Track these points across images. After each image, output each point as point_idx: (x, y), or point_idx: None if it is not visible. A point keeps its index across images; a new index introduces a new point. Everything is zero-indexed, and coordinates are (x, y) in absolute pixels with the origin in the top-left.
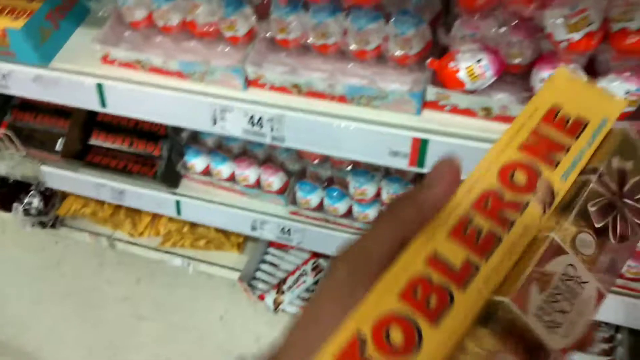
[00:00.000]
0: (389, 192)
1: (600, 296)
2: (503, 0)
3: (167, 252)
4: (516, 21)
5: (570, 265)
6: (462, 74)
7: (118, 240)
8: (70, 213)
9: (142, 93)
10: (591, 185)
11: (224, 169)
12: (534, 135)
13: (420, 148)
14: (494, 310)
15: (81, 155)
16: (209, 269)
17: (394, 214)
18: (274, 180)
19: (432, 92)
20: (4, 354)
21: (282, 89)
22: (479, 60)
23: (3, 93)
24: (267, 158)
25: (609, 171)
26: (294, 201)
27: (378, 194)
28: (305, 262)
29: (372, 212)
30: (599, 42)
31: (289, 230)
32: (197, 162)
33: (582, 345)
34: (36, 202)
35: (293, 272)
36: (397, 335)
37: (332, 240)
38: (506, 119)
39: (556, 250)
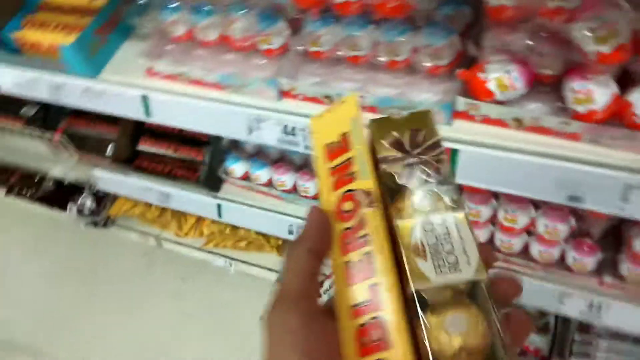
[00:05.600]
0: None
1: (464, 217)
2: (531, 12)
3: (210, 252)
4: (546, 32)
5: (426, 222)
6: (491, 85)
7: (165, 240)
8: (120, 213)
9: (183, 104)
10: (387, 171)
11: (262, 174)
12: (333, 172)
13: (450, 158)
14: (413, 299)
15: (130, 160)
16: (250, 269)
17: (291, 259)
18: (310, 186)
19: (462, 103)
20: (55, 347)
21: (314, 100)
22: (508, 71)
23: (56, 103)
24: (304, 164)
25: (389, 150)
26: None
27: None
28: None
29: None
30: (630, 54)
31: None
32: (236, 167)
33: (487, 263)
34: (89, 202)
35: (330, 275)
36: None
37: None
38: (538, 129)
39: (406, 227)
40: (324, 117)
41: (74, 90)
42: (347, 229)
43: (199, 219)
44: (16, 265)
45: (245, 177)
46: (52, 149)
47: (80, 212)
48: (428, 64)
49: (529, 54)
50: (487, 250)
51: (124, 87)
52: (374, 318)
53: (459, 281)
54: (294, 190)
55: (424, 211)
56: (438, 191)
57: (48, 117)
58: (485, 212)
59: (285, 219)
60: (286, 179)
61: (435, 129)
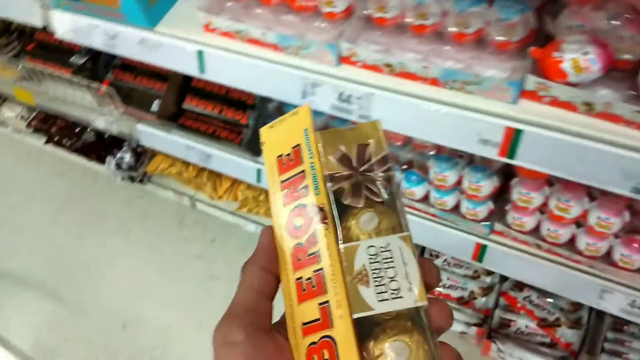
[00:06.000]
0: (470, 180)
1: (407, 239)
2: None
3: (242, 217)
4: (628, 15)
5: (369, 246)
6: (566, 65)
7: (199, 201)
8: (157, 171)
9: (239, 62)
10: (332, 189)
11: None
12: (284, 186)
13: (513, 138)
14: (360, 326)
15: (175, 117)
16: None
17: (244, 276)
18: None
19: (532, 81)
20: (77, 293)
21: (373, 68)
22: (585, 53)
23: (110, 52)
24: None
25: (334, 167)
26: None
27: (459, 182)
28: None
29: (450, 200)
30: None
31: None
32: None
33: (431, 285)
34: (128, 157)
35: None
36: None
37: None
38: (608, 116)
39: (350, 252)
40: (275, 127)
41: (129, 41)
42: (298, 245)
43: (234, 183)
44: (49, 214)
45: None
46: (98, 100)
47: (118, 166)
48: (499, 39)
49: (609, 37)
50: (431, 271)
51: (180, 41)
52: (323, 337)
53: (401, 308)
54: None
55: (368, 233)
56: (383, 211)
57: (96, 67)
58: (537, 199)
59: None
60: None
61: (384, 143)
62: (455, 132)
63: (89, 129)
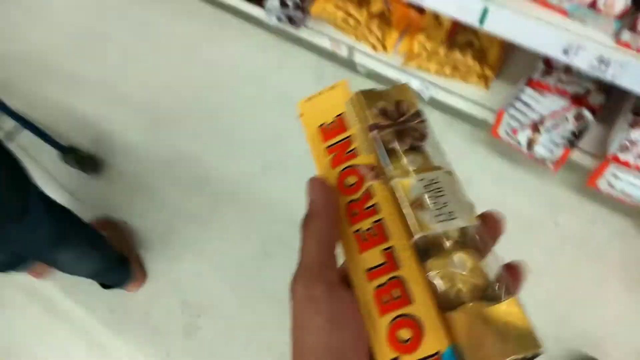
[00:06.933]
0: None
1: (452, 174)
2: None
3: (406, 73)
4: None
5: (420, 179)
6: None
7: (358, 51)
8: (322, 14)
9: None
10: (377, 135)
11: None
12: (330, 151)
13: None
14: (420, 247)
15: None
16: (447, 97)
17: (309, 231)
18: (619, 1)
19: None
20: (220, 134)
21: None
22: None
23: None
24: None
25: (377, 117)
26: (628, 29)
27: None
28: (567, 109)
29: None
30: None
31: (608, 61)
32: None
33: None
34: None
35: (553, 116)
36: (404, 332)
37: None
38: None
39: (404, 185)
40: (312, 100)
41: None
42: (352, 201)
43: (403, 35)
44: (180, 56)
45: None
46: None
47: (283, 3)
48: None
49: None
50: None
51: None
52: (391, 278)
53: (456, 227)
54: (592, 5)
55: (417, 170)
56: (425, 154)
57: None
58: None
59: (565, 36)
60: None
61: (415, 101)
62: None
63: None
